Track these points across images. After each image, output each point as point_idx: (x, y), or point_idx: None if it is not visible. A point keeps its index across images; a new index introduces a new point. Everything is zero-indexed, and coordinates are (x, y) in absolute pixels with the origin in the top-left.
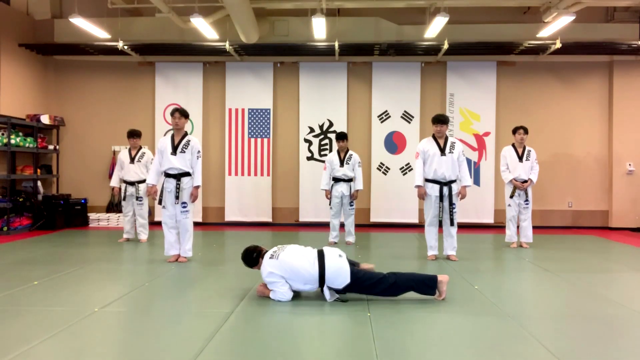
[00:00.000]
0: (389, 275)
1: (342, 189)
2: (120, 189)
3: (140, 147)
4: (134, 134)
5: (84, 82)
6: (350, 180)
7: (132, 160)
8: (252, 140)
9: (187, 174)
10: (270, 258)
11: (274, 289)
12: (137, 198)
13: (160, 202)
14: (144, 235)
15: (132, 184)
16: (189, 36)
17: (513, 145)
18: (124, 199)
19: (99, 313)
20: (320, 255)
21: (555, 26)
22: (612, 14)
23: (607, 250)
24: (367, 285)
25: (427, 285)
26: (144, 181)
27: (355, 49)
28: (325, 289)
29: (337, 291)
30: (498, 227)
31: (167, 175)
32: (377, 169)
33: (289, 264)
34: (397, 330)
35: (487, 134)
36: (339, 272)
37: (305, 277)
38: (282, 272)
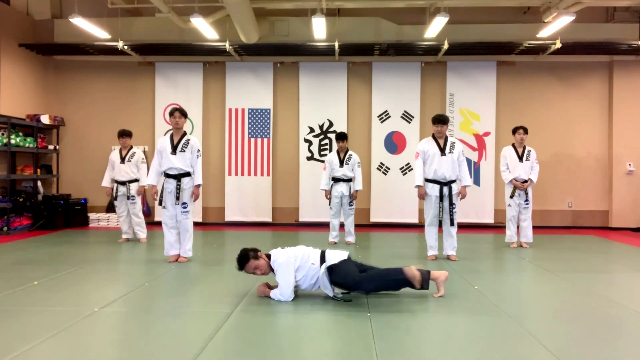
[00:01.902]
0: (371, 274)
1: (341, 189)
2: (112, 189)
3: (131, 147)
4: (124, 134)
5: (84, 82)
6: (349, 180)
7: (122, 160)
8: (252, 140)
9: (187, 174)
10: (281, 249)
11: (280, 281)
12: (129, 197)
13: (160, 203)
14: (142, 234)
15: (123, 183)
16: (189, 36)
17: (513, 145)
18: (116, 199)
19: (99, 313)
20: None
21: (555, 26)
22: (612, 14)
23: (607, 250)
24: (351, 272)
25: (410, 283)
26: (134, 181)
27: (355, 49)
28: (323, 266)
29: (332, 271)
30: (498, 227)
31: (167, 175)
32: (377, 169)
33: (298, 249)
34: (397, 330)
35: (487, 134)
36: (337, 252)
37: (310, 258)
38: (294, 258)
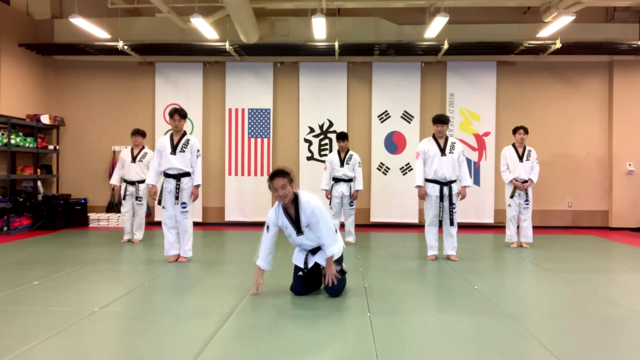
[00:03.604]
0: None
1: (342, 189)
2: (120, 187)
3: (143, 147)
4: (137, 132)
5: (84, 82)
6: (350, 180)
7: (133, 159)
8: (252, 140)
9: (187, 174)
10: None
11: (329, 228)
12: (137, 198)
13: (159, 203)
14: (139, 235)
15: (132, 183)
16: (189, 36)
17: (513, 145)
18: (124, 198)
19: (99, 313)
20: None
21: (555, 26)
22: (612, 14)
23: (607, 250)
24: None
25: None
26: (144, 181)
27: (355, 49)
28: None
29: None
30: (498, 227)
31: (167, 175)
32: (377, 169)
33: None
34: (397, 330)
35: (487, 134)
36: (336, 246)
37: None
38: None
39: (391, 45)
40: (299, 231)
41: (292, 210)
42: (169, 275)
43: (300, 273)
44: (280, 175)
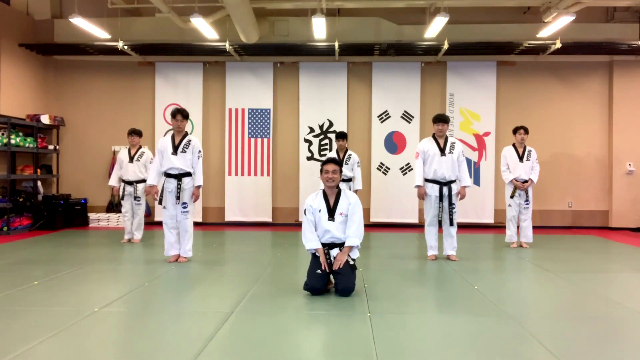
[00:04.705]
0: None
1: None
2: (119, 188)
3: (140, 147)
4: (133, 132)
5: (84, 82)
6: (349, 180)
7: (131, 159)
8: (252, 140)
9: (188, 174)
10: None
11: (360, 222)
12: (135, 198)
13: (160, 203)
14: (138, 235)
15: (130, 183)
16: (189, 36)
17: (513, 145)
18: (122, 198)
19: (99, 313)
20: None
21: (555, 26)
22: (612, 14)
23: (607, 250)
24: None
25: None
26: (142, 181)
27: (355, 49)
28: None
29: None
30: (498, 227)
31: (168, 175)
32: (377, 169)
33: None
34: (397, 330)
35: (487, 134)
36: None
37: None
38: None
39: (391, 45)
40: (331, 216)
41: (332, 198)
42: (169, 275)
43: (319, 271)
44: (335, 163)
